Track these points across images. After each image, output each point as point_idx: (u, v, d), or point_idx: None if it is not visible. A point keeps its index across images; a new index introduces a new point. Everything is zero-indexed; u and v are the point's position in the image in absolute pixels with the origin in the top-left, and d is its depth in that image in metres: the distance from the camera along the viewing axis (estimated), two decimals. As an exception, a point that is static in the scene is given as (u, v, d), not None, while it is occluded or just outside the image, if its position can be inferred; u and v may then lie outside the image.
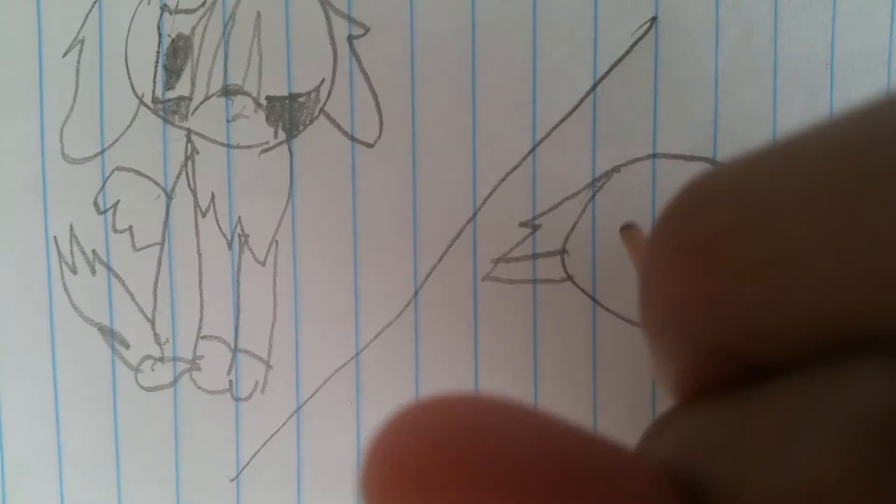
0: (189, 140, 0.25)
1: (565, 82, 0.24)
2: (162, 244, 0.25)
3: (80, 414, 0.25)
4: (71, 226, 0.25)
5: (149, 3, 0.25)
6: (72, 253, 0.25)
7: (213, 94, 0.25)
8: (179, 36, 0.25)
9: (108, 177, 0.25)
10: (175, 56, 0.25)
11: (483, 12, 0.24)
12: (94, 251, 0.25)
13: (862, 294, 0.07)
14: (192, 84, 0.25)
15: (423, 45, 0.24)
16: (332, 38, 0.24)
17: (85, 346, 0.25)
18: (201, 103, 0.25)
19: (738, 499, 0.07)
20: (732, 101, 0.24)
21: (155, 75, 0.25)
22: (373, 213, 0.24)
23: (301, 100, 0.24)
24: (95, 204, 0.25)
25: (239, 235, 0.25)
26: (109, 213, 0.25)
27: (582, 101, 0.24)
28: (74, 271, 0.25)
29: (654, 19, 0.24)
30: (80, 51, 0.25)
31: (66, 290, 0.25)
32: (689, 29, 0.24)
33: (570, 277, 0.24)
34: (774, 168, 0.08)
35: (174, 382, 0.25)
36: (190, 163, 0.25)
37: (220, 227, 0.25)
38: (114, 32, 0.25)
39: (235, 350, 0.25)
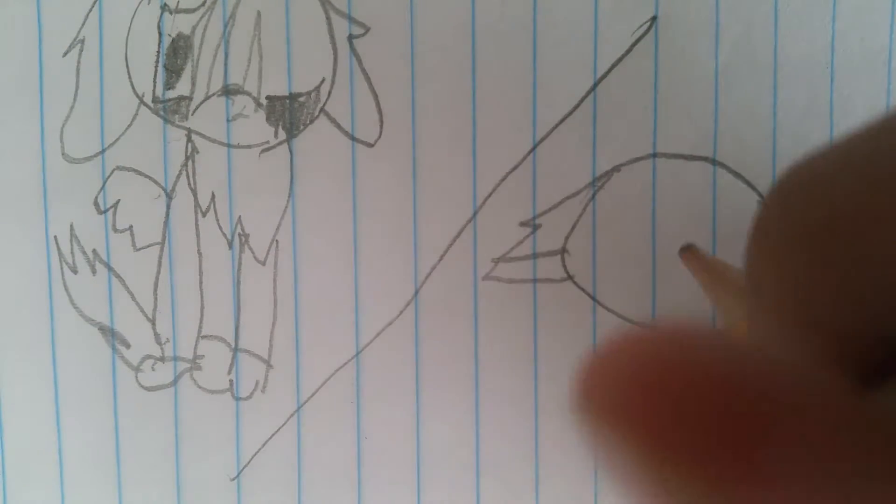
0: (189, 140, 0.25)
1: (565, 82, 0.24)
2: (162, 244, 0.25)
3: (80, 413, 0.25)
4: (71, 225, 0.25)
5: (149, 3, 0.25)
6: (72, 252, 0.25)
7: (213, 94, 0.25)
8: (180, 35, 0.25)
9: (109, 176, 0.25)
10: (175, 56, 0.25)
11: (483, 12, 0.24)
12: (94, 251, 0.25)
13: None
14: (193, 84, 0.25)
15: (423, 45, 0.24)
16: (332, 37, 0.24)
17: (85, 346, 0.25)
18: (201, 103, 0.25)
19: None
20: (732, 100, 0.24)
21: (155, 75, 0.25)
22: (373, 213, 0.24)
23: (301, 99, 0.24)
24: (96, 204, 0.25)
25: (239, 235, 0.25)
26: (110, 213, 0.25)
27: (582, 101, 0.24)
28: (75, 271, 0.25)
29: (654, 19, 0.24)
30: (81, 51, 0.25)
31: (66, 289, 0.25)
32: (689, 29, 0.24)
33: (570, 277, 0.24)
34: (870, 153, 0.08)
35: (175, 382, 0.25)
36: (190, 162, 0.25)
37: (220, 227, 0.25)
38: (114, 32, 0.25)
39: (236, 349, 0.25)
